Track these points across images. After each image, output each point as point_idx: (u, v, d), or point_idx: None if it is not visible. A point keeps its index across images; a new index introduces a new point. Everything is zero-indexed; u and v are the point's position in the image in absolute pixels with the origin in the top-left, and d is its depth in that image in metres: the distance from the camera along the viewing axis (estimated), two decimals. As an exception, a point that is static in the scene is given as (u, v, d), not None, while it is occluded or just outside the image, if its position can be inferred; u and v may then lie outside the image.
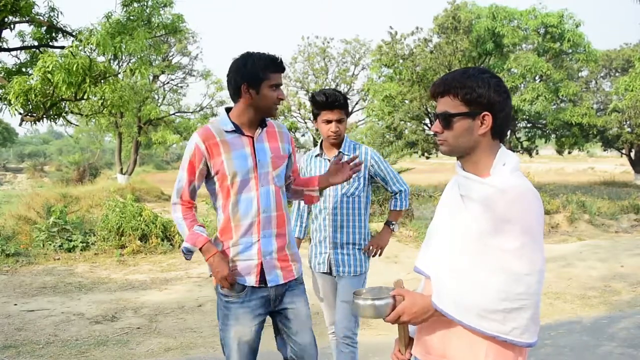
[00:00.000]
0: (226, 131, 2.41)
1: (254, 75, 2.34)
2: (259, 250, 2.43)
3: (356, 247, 3.15)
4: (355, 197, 3.14)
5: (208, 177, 2.46)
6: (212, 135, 2.39)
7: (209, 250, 2.38)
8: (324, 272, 3.20)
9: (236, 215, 2.41)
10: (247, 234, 2.42)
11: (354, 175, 2.89)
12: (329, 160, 3.16)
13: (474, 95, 1.61)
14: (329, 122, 3.09)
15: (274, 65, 2.37)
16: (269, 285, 2.44)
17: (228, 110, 2.50)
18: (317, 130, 3.81)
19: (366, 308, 1.72)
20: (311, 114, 3.31)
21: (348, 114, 3.21)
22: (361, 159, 3.09)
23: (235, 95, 2.42)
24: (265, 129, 2.49)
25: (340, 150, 3.16)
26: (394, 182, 3.26)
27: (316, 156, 3.27)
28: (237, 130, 2.41)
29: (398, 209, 3.28)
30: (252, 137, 2.44)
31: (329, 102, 3.06)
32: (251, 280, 2.43)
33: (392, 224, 3.30)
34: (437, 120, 1.69)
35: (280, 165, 2.51)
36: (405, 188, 3.28)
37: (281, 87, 2.43)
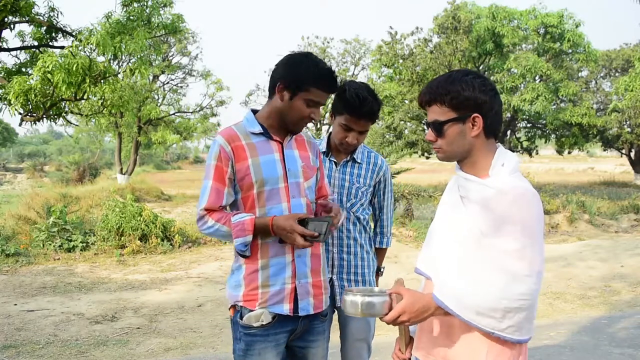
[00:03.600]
0: (252, 133, 2.10)
1: (296, 78, 2.01)
2: (294, 272, 2.08)
3: (365, 272, 2.62)
4: (359, 214, 2.62)
5: None
6: (236, 137, 2.08)
7: (264, 224, 2.00)
8: None
9: None
10: (279, 253, 2.06)
11: (361, 188, 2.61)
12: (336, 162, 2.62)
13: (461, 99, 1.61)
14: (349, 129, 2.49)
15: (323, 82, 2.02)
16: (300, 313, 2.09)
17: (254, 112, 2.19)
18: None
19: (361, 305, 1.62)
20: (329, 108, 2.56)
21: (374, 123, 2.62)
22: (374, 169, 2.65)
23: (270, 90, 2.11)
24: (294, 136, 2.19)
25: (354, 156, 2.62)
26: (387, 212, 2.75)
27: (321, 153, 2.64)
28: (265, 133, 2.10)
29: (385, 246, 2.77)
30: (281, 143, 2.13)
31: (362, 111, 2.44)
32: (285, 308, 2.07)
33: (381, 269, 2.78)
34: (429, 129, 1.69)
35: (312, 176, 2.19)
36: (390, 221, 2.80)
37: (320, 108, 2.09)
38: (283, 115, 2.08)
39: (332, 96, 2.46)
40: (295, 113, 2.05)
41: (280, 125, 2.11)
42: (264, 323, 2.05)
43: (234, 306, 2.11)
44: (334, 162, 2.62)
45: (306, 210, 2.12)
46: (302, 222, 1.97)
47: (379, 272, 2.77)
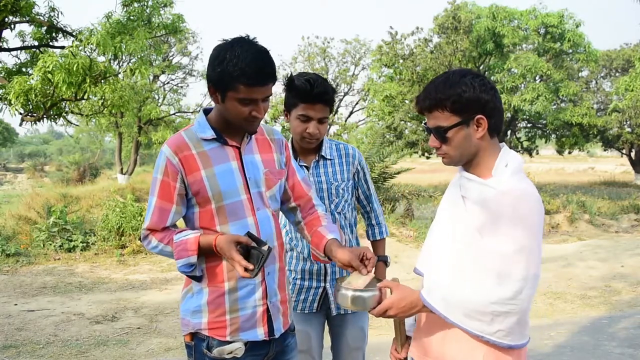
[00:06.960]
0: (204, 139, 1.83)
1: (219, 77, 1.73)
2: (265, 291, 1.87)
3: None
4: (346, 212, 2.48)
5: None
6: (185, 145, 1.81)
7: (208, 243, 1.77)
8: (309, 312, 2.46)
9: None
10: None
11: (340, 185, 2.44)
12: (307, 167, 2.44)
13: (463, 102, 1.55)
14: (307, 119, 2.32)
15: (248, 76, 1.69)
16: (276, 335, 1.91)
17: (207, 112, 1.91)
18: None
19: (350, 299, 1.66)
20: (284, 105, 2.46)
21: (332, 112, 2.43)
22: (348, 160, 2.51)
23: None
24: (253, 136, 1.93)
25: (322, 153, 2.45)
26: (375, 199, 2.62)
27: None
28: (219, 138, 1.84)
29: (385, 236, 2.65)
30: (239, 148, 1.87)
31: (314, 93, 2.27)
32: (259, 333, 1.87)
33: (387, 258, 2.63)
34: (432, 135, 1.63)
35: (276, 183, 1.94)
36: (380, 209, 2.68)
37: (261, 102, 1.77)
38: (225, 118, 1.82)
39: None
40: (233, 115, 1.77)
41: (232, 128, 1.85)
42: (237, 356, 1.84)
43: (194, 333, 1.88)
44: (305, 166, 2.44)
45: (273, 223, 1.91)
46: (248, 246, 1.74)
47: (386, 263, 2.62)
